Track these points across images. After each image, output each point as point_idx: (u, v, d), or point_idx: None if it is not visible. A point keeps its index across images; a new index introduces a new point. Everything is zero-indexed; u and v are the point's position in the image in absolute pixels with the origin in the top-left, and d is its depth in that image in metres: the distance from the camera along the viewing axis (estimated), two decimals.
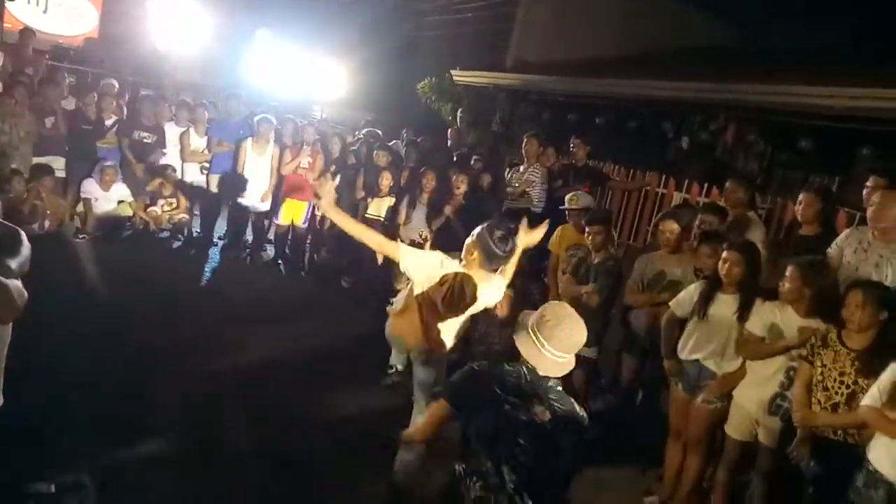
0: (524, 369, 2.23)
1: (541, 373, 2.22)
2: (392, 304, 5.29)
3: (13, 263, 1.96)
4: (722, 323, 3.43)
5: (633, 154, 7.05)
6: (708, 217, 4.23)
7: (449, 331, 3.26)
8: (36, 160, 6.58)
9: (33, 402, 2.78)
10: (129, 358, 4.21)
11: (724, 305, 3.44)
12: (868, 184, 3.76)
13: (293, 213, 7.18)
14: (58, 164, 6.84)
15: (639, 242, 6.28)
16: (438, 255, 3.20)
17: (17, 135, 6.43)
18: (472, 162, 6.88)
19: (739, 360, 3.40)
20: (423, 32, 12.84)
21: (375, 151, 6.81)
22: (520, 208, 6.14)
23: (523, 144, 6.46)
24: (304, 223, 7.28)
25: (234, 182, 7.10)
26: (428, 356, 3.31)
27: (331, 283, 6.80)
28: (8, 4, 11.23)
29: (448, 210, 5.84)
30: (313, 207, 7.34)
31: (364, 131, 8.17)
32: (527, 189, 6.23)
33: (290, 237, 7.38)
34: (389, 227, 6.36)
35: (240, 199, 7.07)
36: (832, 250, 3.59)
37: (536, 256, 4.18)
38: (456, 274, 3.08)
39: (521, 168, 6.38)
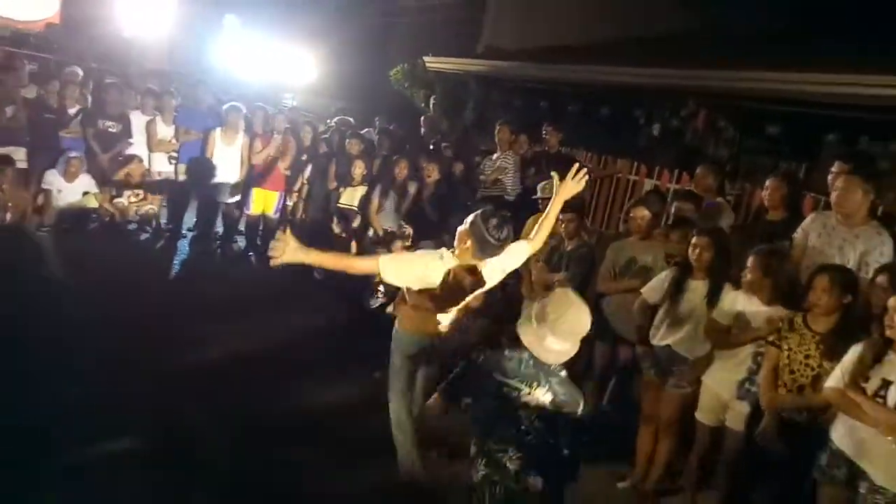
0: (525, 355, 2.30)
1: (542, 360, 2.29)
2: (374, 301, 5.29)
3: None
4: (692, 308, 3.48)
5: (604, 141, 7.09)
6: (684, 204, 4.28)
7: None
8: None
9: None
10: (95, 354, 4.12)
11: (695, 291, 3.49)
12: (833, 169, 3.82)
13: (264, 203, 7.09)
14: (18, 154, 6.62)
15: (611, 230, 6.32)
16: (424, 255, 3.11)
17: None
18: (441, 150, 6.85)
19: (709, 345, 3.46)
20: (394, 18, 12.70)
21: (347, 140, 6.75)
22: (493, 196, 6.15)
23: (496, 132, 6.44)
24: (275, 213, 7.20)
25: (204, 172, 6.98)
26: (432, 353, 3.28)
27: (303, 274, 6.73)
28: None
29: (412, 189, 5.79)
30: (285, 197, 7.27)
31: (336, 119, 8.09)
32: (499, 176, 6.22)
33: (261, 227, 7.29)
34: (363, 216, 6.33)
35: (209, 190, 6.96)
36: (798, 234, 3.66)
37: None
38: (448, 272, 3.00)
39: (494, 156, 6.37)
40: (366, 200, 6.33)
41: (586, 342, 4.47)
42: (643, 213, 4.19)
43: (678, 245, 3.78)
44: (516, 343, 2.33)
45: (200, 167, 6.96)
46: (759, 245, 3.41)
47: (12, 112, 6.66)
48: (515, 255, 3.18)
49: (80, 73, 8.14)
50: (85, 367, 3.91)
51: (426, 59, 9.70)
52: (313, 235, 6.81)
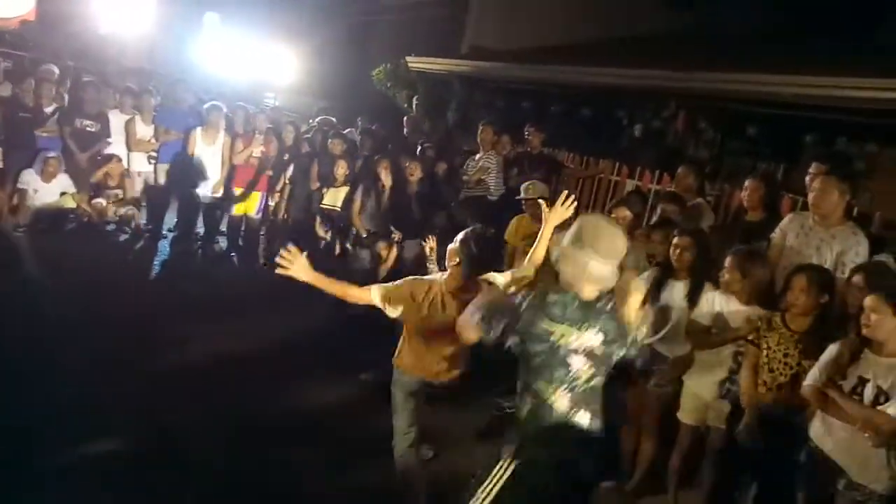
0: (569, 296, 2.23)
1: (584, 296, 2.23)
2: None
3: None
4: (673, 308, 3.51)
5: (587, 142, 7.12)
6: (668, 206, 4.32)
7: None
8: None
9: None
10: (76, 357, 4.06)
11: (676, 291, 3.52)
12: (810, 170, 3.88)
13: (246, 204, 7.03)
14: None
15: None
16: (413, 279, 3.09)
17: None
18: (424, 149, 6.84)
19: (690, 345, 3.50)
20: (376, 17, 12.66)
21: (330, 140, 6.71)
22: (476, 196, 6.16)
23: (479, 132, 6.45)
24: (257, 213, 7.15)
25: (184, 172, 6.90)
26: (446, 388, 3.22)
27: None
28: None
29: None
30: (267, 197, 7.21)
31: (318, 119, 8.04)
32: (482, 177, 6.23)
33: (243, 228, 7.22)
34: (345, 217, 6.30)
35: (191, 190, 6.89)
36: (776, 234, 3.72)
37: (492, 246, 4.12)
38: (430, 287, 2.99)
39: (477, 156, 6.38)
40: (349, 201, 6.30)
41: None
42: (625, 213, 4.22)
43: (660, 245, 3.81)
44: (558, 285, 2.25)
45: (182, 169, 6.89)
46: (737, 245, 3.46)
47: None
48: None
49: (57, 71, 8.02)
50: (65, 368, 3.85)
51: (408, 58, 9.68)
52: (296, 236, 6.78)
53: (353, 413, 4.08)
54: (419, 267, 5.40)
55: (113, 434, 3.41)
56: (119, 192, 7.07)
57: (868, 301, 2.73)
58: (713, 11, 6.90)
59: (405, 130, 8.09)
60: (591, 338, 2.22)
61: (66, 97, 7.40)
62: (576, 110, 7.61)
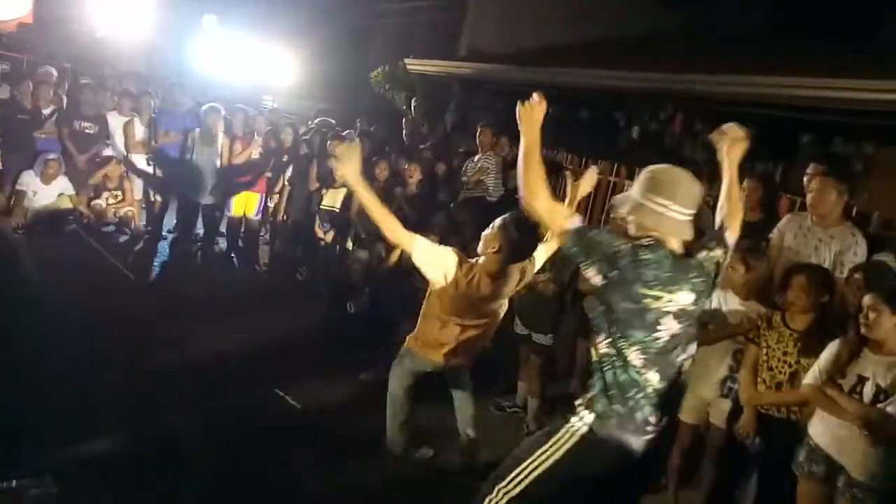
0: (661, 252, 2.04)
1: (672, 246, 2.08)
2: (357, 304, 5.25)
3: None
4: None
5: (585, 143, 7.14)
6: None
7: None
8: None
9: None
10: (76, 357, 4.05)
11: None
12: (808, 171, 3.90)
13: (245, 205, 7.03)
14: None
15: None
16: (453, 253, 3.06)
17: None
18: (421, 152, 6.85)
19: None
20: (375, 20, 12.67)
21: (329, 141, 6.71)
22: (475, 197, 6.17)
23: (477, 134, 6.47)
24: (256, 215, 7.15)
25: (183, 174, 6.91)
26: (459, 367, 3.23)
27: (286, 276, 6.70)
28: None
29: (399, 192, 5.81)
30: (266, 198, 7.22)
31: (317, 121, 8.05)
32: (481, 177, 6.25)
33: (242, 229, 7.23)
34: (344, 218, 6.31)
35: (190, 192, 6.89)
36: (774, 235, 3.73)
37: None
38: (473, 264, 2.96)
39: (476, 157, 6.40)
40: (348, 202, 6.30)
41: (569, 341, 4.56)
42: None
43: None
44: (647, 244, 2.05)
45: (181, 171, 6.89)
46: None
47: None
48: (538, 259, 3.18)
49: (54, 73, 8.03)
50: (63, 368, 3.84)
51: (407, 60, 9.69)
52: (295, 237, 6.79)
53: (353, 413, 4.09)
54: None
55: (111, 434, 3.40)
56: (118, 193, 7.06)
57: (867, 300, 2.75)
58: (710, 13, 6.92)
59: (404, 132, 8.11)
60: (684, 297, 2.06)
61: (65, 99, 7.40)
62: (574, 112, 7.62)
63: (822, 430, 2.82)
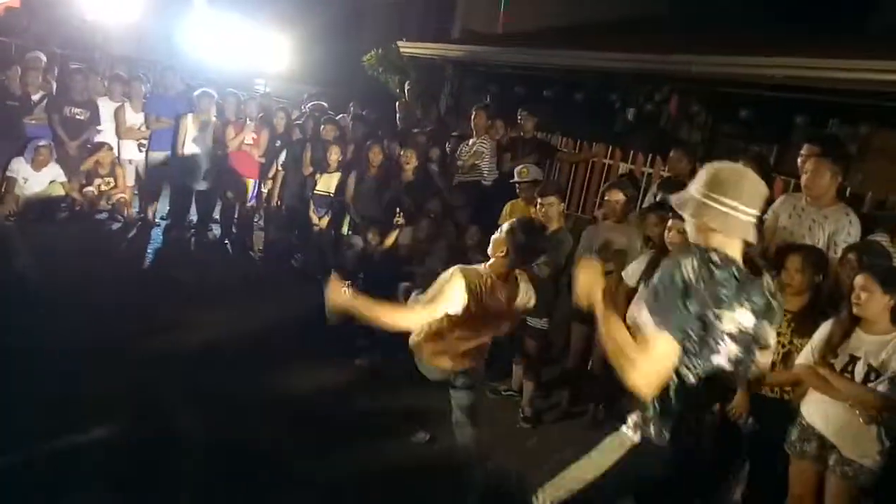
0: (729, 272, 1.79)
1: (732, 252, 1.85)
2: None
3: None
4: None
5: (580, 125, 7.11)
6: (670, 194, 4.32)
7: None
8: None
9: None
10: (70, 345, 4.04)
11: None
12: (802, 152, 3.89)
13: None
14: None
15: (586, 214, 6.37)
16: (458, 275, 2.92)
17: None
18: (415, 136, 6.80)
19: None
20: (368, 2, 12.55)
21: (322, 125, 6.68)
22: (470, 181, 6.15)
23: (472, 117, 6.43)
24: (250, 200, 7.12)
25: (176, 159, 6.86)
26: (469, 377, 3.15)
27: (280, 261, 6.69)
28: None
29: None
30: (259, 184, 7.18)
31: (309, 105, 7.99)
32: (476, 161, 6.22)
33: (236, 215, 7.20)
34: (338, 202, 6.29)
35: (183, 178, 6.85)
36: (768, 216, 3.73)
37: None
38: (481, 274, 2.91)
39: (470, 141, 6.36)
40: (342, 186, 6.28)
41: (564, 324, 4.57)
42: (618, 196, 4.23)
43: (655, 228, 3.83)
44: (720, 257, 1.81)
45: (173, 156, 6.85)
46: None
47: None
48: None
49: (43, 58, 7.90)
50: (57, 355, 3.84)
51: (400, 43, 9.60)
52: (290, 223, 6.77)
53: (349, 399, 4.10)
54: (413, 253, 5.42)
55: (106, 420, 3.40)
56: (110, 180, 7.02)
57: (858, 279, 2.76)
58: None
59: (397, 116, 8.06)
60: (744, 318, 1.85)
61: (54, 85, 7.31)
62: (569, 94, 7.59)
63: (814, 409, 2.85)
